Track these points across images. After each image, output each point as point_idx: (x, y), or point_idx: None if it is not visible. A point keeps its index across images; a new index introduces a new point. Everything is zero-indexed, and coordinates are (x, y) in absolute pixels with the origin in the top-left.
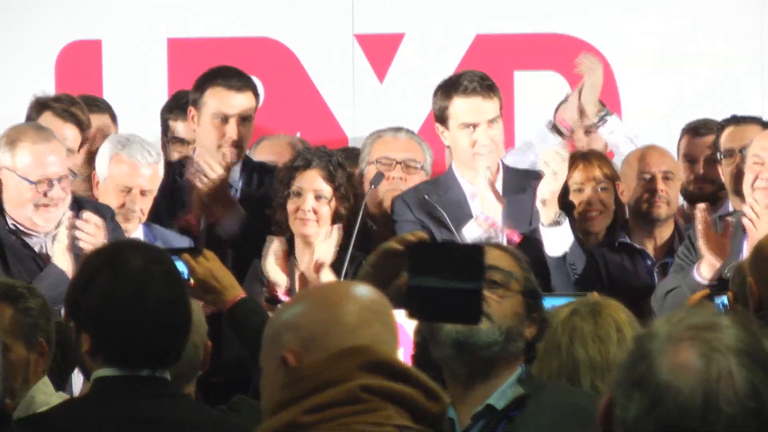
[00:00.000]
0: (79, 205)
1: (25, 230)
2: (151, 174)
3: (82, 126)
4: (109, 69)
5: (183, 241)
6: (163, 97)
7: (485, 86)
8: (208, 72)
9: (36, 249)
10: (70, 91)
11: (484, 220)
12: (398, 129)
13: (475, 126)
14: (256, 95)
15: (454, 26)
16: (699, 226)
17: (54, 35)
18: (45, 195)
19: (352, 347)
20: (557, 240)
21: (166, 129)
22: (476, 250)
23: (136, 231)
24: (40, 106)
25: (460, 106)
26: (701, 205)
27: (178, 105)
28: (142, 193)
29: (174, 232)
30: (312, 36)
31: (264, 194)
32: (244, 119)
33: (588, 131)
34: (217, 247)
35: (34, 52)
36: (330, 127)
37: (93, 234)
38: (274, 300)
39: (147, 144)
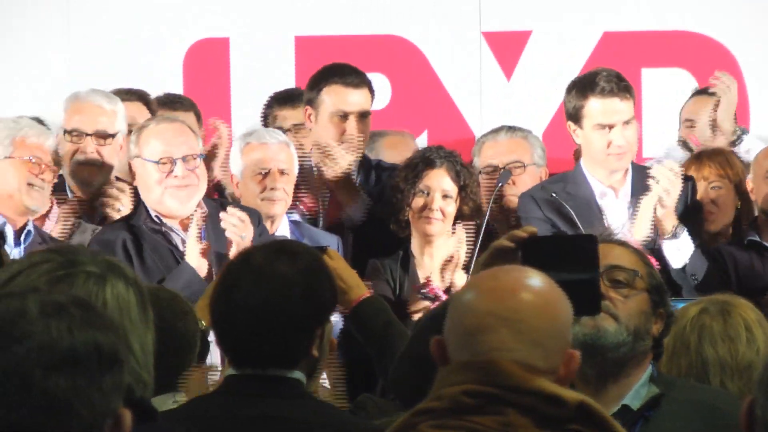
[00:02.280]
0: (223, 207)
1: (164, 219)
2: (285, 154)
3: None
4: (237, 67)
5: (330, 240)
6: None
7: (622, 87)
8: (323, 70)
9: (178, 244)
10: (198, 88)
11: None
12: (498, 130)
13: (610, 127)
14: (372, 92)
15: (582, 23)
16: None
17: (182, 33)
18: (170, 174)
19: (466, 362)
20: (677, 252)
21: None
22: (589, 239)
23: (282, 217)
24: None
25: (597, 107)
26: None
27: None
28: (281, 172)
29: (322, 231)
30: (439, 33)
31: (379, 191)
32: (362, 116)
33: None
34: None
35: (163, 50)
36: (457, 125)
37: (237, 226)
38: (434, 298)
39: (272, 129)
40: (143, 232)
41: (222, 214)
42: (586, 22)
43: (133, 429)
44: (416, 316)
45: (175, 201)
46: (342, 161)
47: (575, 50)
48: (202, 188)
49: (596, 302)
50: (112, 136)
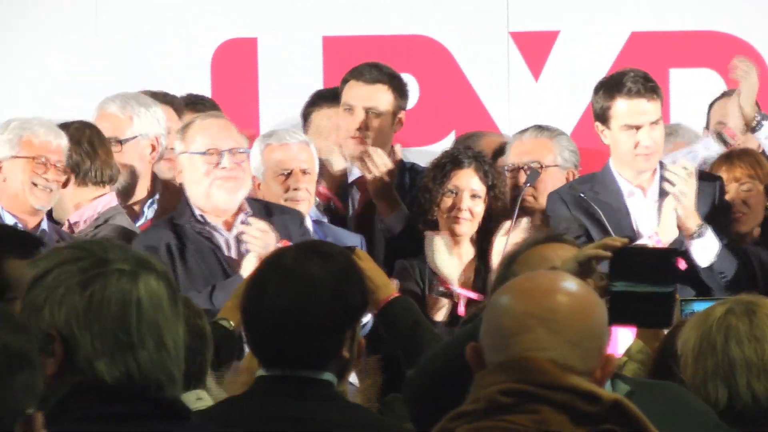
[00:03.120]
0: (268, 210)
1: (208, 217)
2: (306, 154)
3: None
4: (265, 67)
5: (354, 239)
6: None
7: (649, 88)
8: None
9: (221, 245)
10: (225, 88)
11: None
12: (527, 129)
13: (638, 128)
14: (396, 91)
15: (610, 23)
16: None
17: (210, 33)
18: (217, 165)
19: (501, 362)
20: (702, 251)
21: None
22: (670, 253)
23: (306, 217)
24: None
25: (624, 108)
26: None
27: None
28: (303, 172)
29: (345, 230)
30: (467, 33)
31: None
32: (371, 112)
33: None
34: None
35: (191, 50)
36: (485, 125)
37: (258, 237)
38: (448, 294)
39: (292, 129)
40: (187, 232)
41: (242, 226)
42: (614, 22)
43: (167, 430)
44: (436, 317)
45: (222, 192)
46: (383, 168)
47: (603, 50)
48: (248, 184)
49: (670, 315)
50: (123, 142)
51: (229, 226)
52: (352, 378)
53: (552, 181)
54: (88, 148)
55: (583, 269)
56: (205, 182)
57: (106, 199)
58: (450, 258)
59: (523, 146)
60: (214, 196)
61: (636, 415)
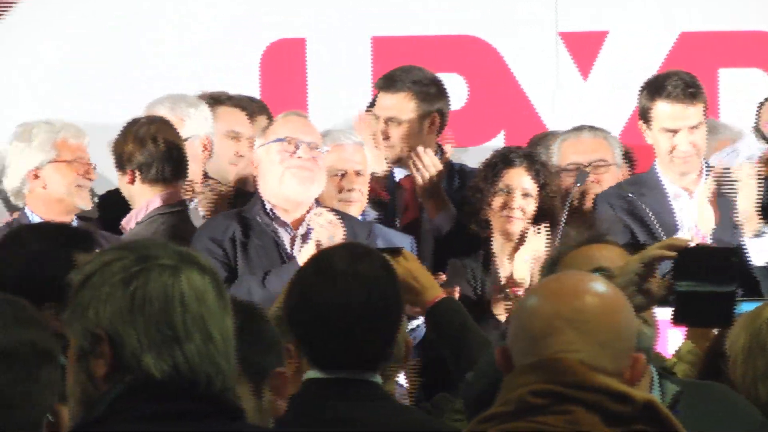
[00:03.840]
0: (335, 212)
1: (278, 212)
2: (360, 155)
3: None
4: (313, 67)
5: (404, 240)
6: (368, 96)
7: (689, 93)
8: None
9: (286, 242)
10: (274, 89)
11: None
12: (580, 129)
13: (675, 131)
14: (418, 99)
15: (659, 23)
16: None
17: (259, 34)
18: (293, 154)
19: (530, 364)
20: (761, 250)
21: None
22: (732, 252)
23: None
24: (213, 101)
25: (663, 110)
26: None
27: None
28: (357, 173)
29: (396, 231)
30: (516, 34)
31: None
32: (390, 121)
33: None
34: None
35: (240, 51)
36: (533, 125)
37: (325, 227)
38: (511, 296)
39: (347, 130)
40: (253, 225)
41: (311, 215)
42: (664, 22)
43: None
44: (499, 316)
45: (294, 181)
46: (432, 170)
47: (652, 50)
48: (322, 181)
49: (731, 315)
50: None
51: (296, 224)
52: (401, 379)
53: (614, 180)
54: (152, 145)
55: (648, 270)
56: (279, 169)
57: (155, 199)
58: (512, 260)
59: (582, 145)
60: (286, 184)
61: (667, 417)
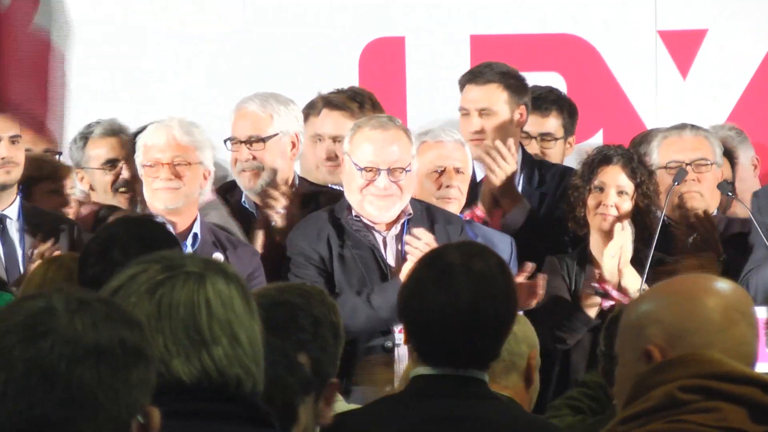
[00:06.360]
0: (429, 214)
1: (365, 221)
2: (461, 153)
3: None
4: (413, 66)
5: (503, 239)
6: None
7: None
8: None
9: (379, 244)
10: (373, 86)
11: None
12: (681, 127)
13: None
14: (507, 89)
15: (758, 22)
16: None
17: (359, 32)
18: (372, 182)
19: (685, 355)
20: None
21: None
22: None
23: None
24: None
25: None
26: None
27: None
28: (457, 171)
29: (495, 230)
30: (615, 32)
31: (544, 191)
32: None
33: None
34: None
35: (340, 49)
36: (632, 124)
37: (422, 251)
38: (602, 293)
39: (448, 128)
40: (346, 228)
41: (408, 237)
42: (763, 20)
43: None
44: (589, 311)
45: (373, 208)
46: (506, 167)
47: (751, 49)
48: (405, 199)
49: None
50: (265, 140)
51: (388, 226)
52: None
53: (715, 179)
54: None
55: None
56: (359, 196)
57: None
58: (606, 258)
59: (684, 143)
60: (366, 209)
61: None
